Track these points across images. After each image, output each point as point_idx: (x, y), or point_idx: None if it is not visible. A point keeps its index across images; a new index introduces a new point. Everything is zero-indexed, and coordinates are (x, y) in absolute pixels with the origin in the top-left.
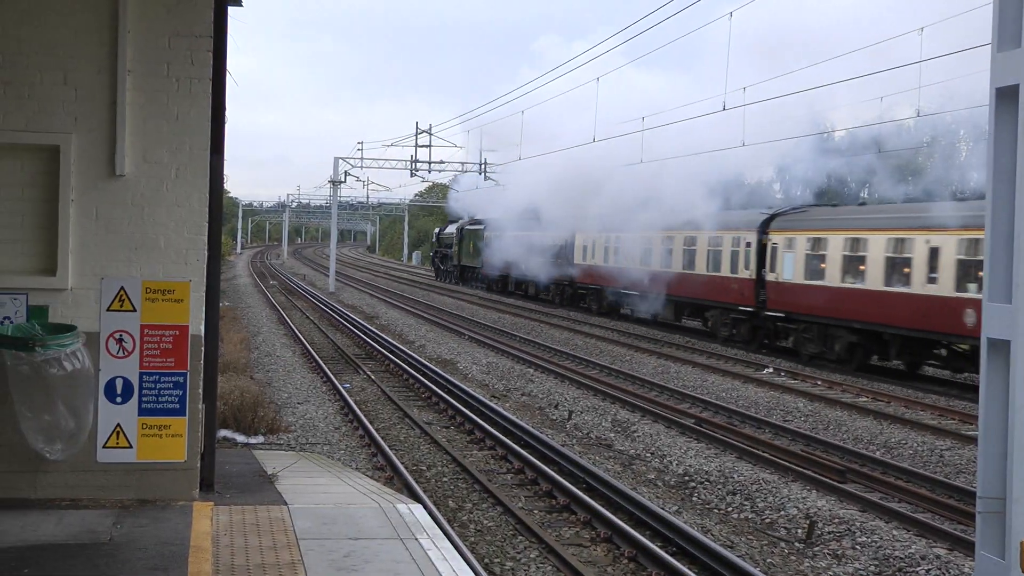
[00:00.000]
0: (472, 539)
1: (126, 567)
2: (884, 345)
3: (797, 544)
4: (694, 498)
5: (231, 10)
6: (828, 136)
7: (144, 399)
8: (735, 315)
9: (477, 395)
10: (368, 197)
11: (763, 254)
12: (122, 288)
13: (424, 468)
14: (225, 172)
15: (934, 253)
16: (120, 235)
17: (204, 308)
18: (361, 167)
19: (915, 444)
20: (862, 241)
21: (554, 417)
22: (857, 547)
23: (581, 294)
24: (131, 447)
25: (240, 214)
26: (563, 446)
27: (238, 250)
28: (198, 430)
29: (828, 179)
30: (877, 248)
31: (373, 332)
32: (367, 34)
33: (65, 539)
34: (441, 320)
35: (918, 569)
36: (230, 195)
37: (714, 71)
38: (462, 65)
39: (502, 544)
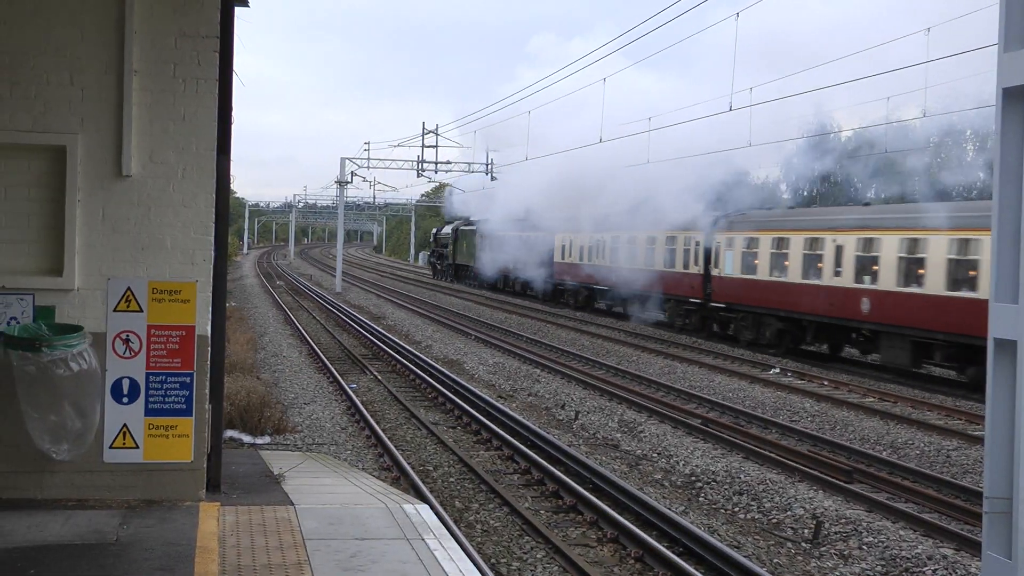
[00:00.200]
0: (479, 539)
1: (132, 567)
2: (804, 330)
3: (804, 544)
4: (701, 498)
5: (238, 10)
6: (823, 137)
7: (151, 399)
8: (687, 306)
9: (484, 395)
10: (375, 197)
11: (710, 252)
12: (129, 288)
13: (431, 468)
14: (232, 172)
15: (839, 251)
16: (127, 235)
17: (211, 308)
18: (368, 167)
19: (922, 444)
20: (785, 240)
21: (561, 417)
22: (864, 547)
23: (561, 290)
24: (138, 447)
25: (247, 214)
26: (570, 446)
27: (245, 250)
28: (204, 430)
29: (824, 179)
30: (797, 246)
31: (380, 332)
32: (374, 34)
33: (71, 539)
34: (447, 320)
35: (925, 569)
36: (236, 195)
37: (712, 73)
38: (469, 65)
39: (509, 544)
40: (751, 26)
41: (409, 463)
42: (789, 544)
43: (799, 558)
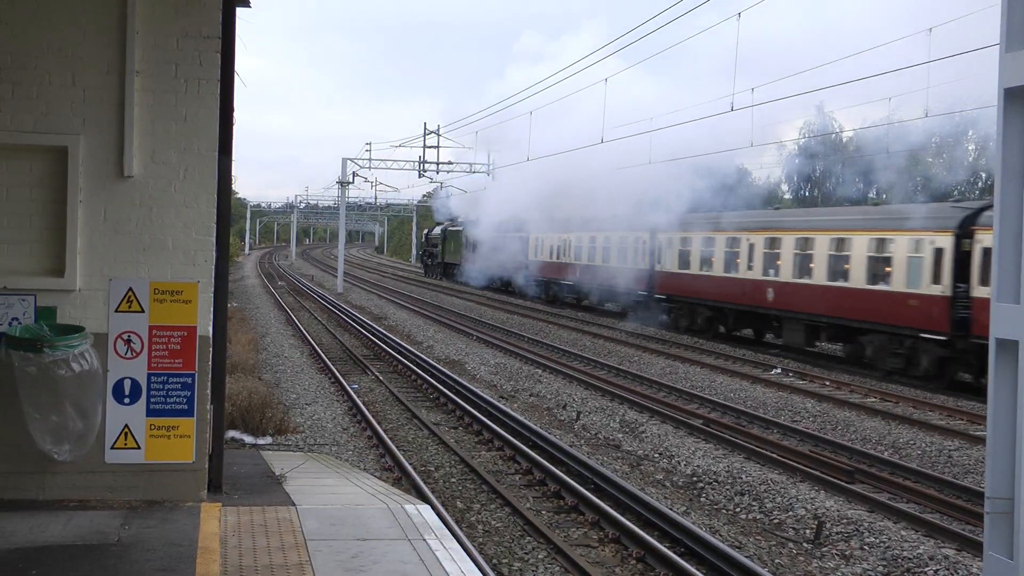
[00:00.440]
0: (480, 540)
1: (134, 568)
2: (726, 318)
3: (805, 544)
4: (702, 498)
5: (239, 11)
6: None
7: (152, 400)
8: (636, 298)
9: (485, 396)
10: (376, 198)
11: (657, 250)
12: (130, 289)
13: (432, 469)
14: (233, 173)
15: (751, 248)
16: (128, 236)
17: (212, 309)
18: (369, 168)
19: (923, 444)
20: (711, 239)
21: (562, 418)
22: (865, 547)
23: (536, 286)
24: (139, 448)
25: (248, 215)
26: (571, 447)
27: (246, 251)
28: (206, 431)
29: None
30: (720, 245)
31: (381, 333)
32: (376, 35)
33: (73, 540)
34: (449, 321)
35: (926, 569)
36: (238, 196)
37: (701, 76)
38: (471, 65)
39: (510, 545)
40: (746, 28)
41: (411, 463)
42: (791, 544)
43: (801, 558)
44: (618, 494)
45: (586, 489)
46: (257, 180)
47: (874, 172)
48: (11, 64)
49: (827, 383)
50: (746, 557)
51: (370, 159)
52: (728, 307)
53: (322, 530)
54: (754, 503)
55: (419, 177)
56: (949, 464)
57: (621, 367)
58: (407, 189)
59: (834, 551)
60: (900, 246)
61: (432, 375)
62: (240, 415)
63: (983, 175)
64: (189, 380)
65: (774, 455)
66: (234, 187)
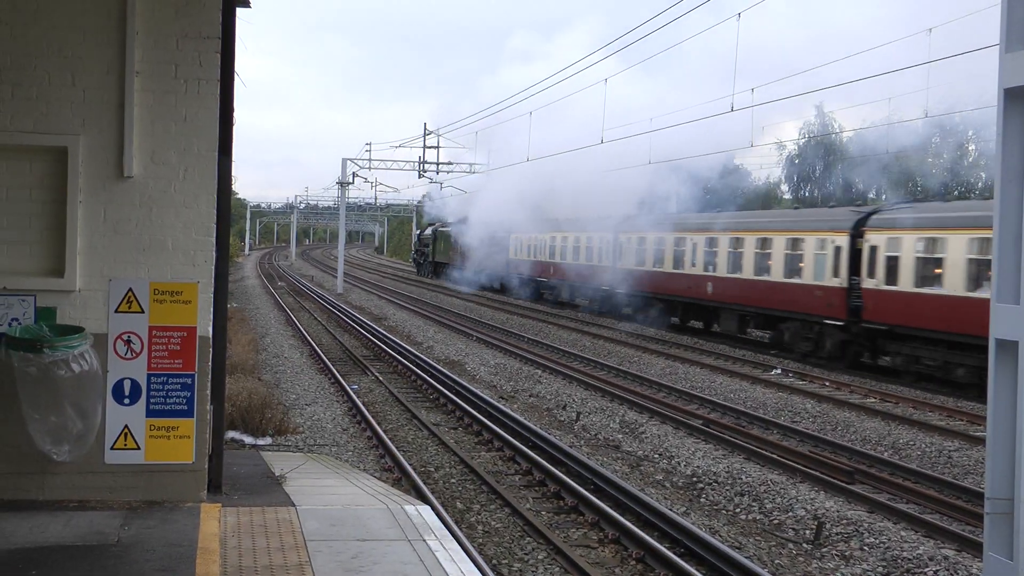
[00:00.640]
0: (480, 540)
1: (134, 568)
2: (676, 309)
3: (805, 545)
4: (702, 499)
5: (239, 11)
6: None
7: (152, 401)
8: (600, 293)
9: (485, 396)
10: (376, 198)
11: (617, 249)
12: (130, 289)
13: (432, 469)
14: (233, 173)
15: (695, 247)
16: (128, 236)
17: (212, 309)
18: (369, 168)
19: (923, 445)
20: (662, 239)
21: (562, 418)
22: (865, 548)
23: (517, 283)
24: (139, 449)
25: (248, 215)
26: (571, 447)
27: (246, 251)
28: (206, 431)
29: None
30: (670, 244)
31: (381, 333)
32: (377, 34)
33: (73, 540)
34: (449, 321)
35: (926, 570)
36: (238, 196)
37: (696, 77)
38: (471, 65)
39: (510, 545)
40: (736, 31)
41: (410, 464)
42: (790, 545)
43: (800, 559)
44: (618, 495)
45: (586, 490)
46: (257, 180)
47: (863, 172)
48: (11, 65)
49: (827, 384)
50: (746, 558)
51: (370, 159)
52: (677, 300)
53: (322, 531)
54: (754, 504)
55: (419, 177)
56: (949, 465)
57: (621, 367)
58: (407, 189)
59: (834, 552)
60: (809, 245)
61: (432, 375)
62: (240, 416)
63: (979, 175)
64: (189, 380)
65: (774, 456)
66: (234, 187)
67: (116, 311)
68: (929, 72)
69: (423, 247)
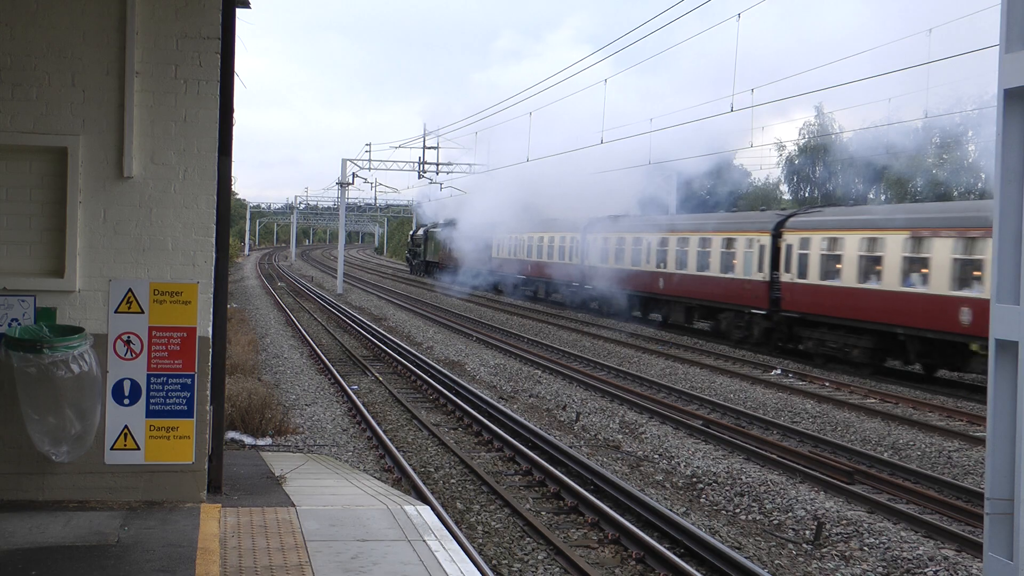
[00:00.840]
0: (480, 541)
1: (133, 569)
2: (635, 303)
3: (805, 545)
4: (702, 499)
5: (239, 12)
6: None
7: (152, 401)
8: (569, 289)
9: (485, 396)
10: (376, 199)
11: (585, 248)
12: (130, 290)
13: (432, 470)
14: (233, 174)
15: (649, 246)
16: (128, 237)
17: (212, 310)
18: (369, 169)
19: (923, 445)
20: (623, 238)
21: (562, 419)
22: (865, 548)
23: (497, 281)
24: (139, 449)
25: (248, 216)
26: (571, 447)
27: (246, 252)
28: (206, 432)
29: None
30: (628, 243)
31: (381, 334)
32: (377, 35)
33: (73, 541)
34: (449, 321)
35: (926, 570)
36: (238, 197)
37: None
38: (467, 64)
39: (510, 546)
40: (729, 34)
41: (410, 464)
42: (790, 545)
43: (800, 559)
44: (618, 495)
45: (586, 490)
46: (257, 180)
47: (851, 173)
48: (11, 65)
49: (827, 384)
50: (746, 558)
51: (370, 160)
52: (636, 294)
53: (322, 531)
54: (754, 504)
55: (419, 178)
56: (949, 465)
57: (621, 368)
58: (407, 190)
59: (834, 552)
60: (741, 244)
61: (432, 376)
62: (240, 416)
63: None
64: (189, 381)
65: (774, 456)
66: (233, 188)
67: (116, 311)
68: (929, 72)
69: (415, 247)
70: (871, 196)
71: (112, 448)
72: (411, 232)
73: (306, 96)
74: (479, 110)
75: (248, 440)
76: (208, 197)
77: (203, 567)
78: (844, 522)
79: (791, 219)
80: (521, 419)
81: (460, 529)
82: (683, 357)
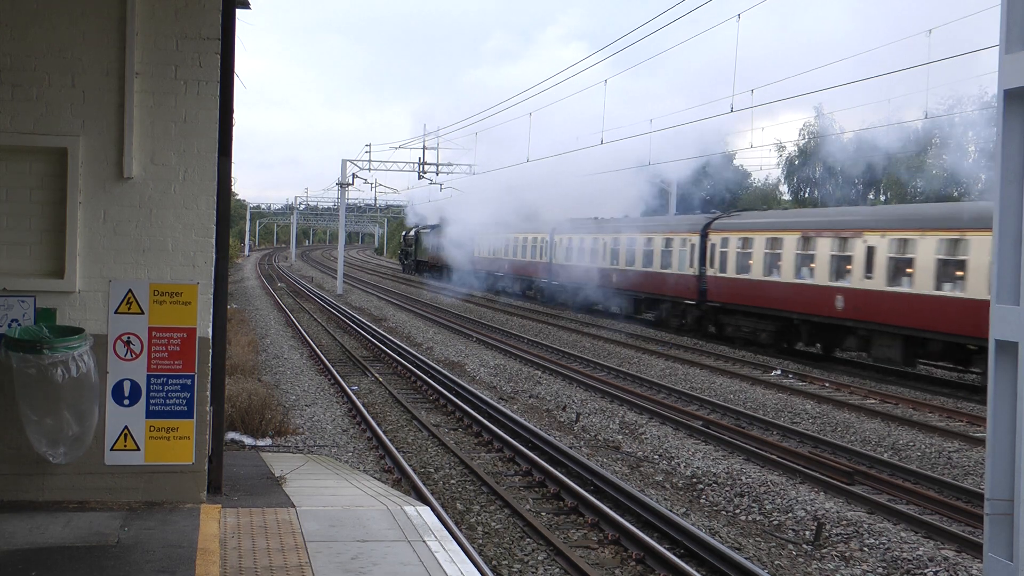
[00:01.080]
0: (480, 541)
1: (133, 569)
2: (594, 297)
3: (805, 546)
4: (702, 500)
5: (239, 12)
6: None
7: (152, 401)
8: (537, 285)
9: (485, 397)
10: (376, 199)
11: (553, 248)
12: (130, 291)
13: (432, 470)
14: (233, 174)
15: (604, 245)
16: (128, 237)
17: (212, 310)
18: (369, 169)
19: (923, 446)
20: (584, 239)
21: (562, 419)
22: (865, 549)
23: (478, 278)
24: (139, 449)
25: (248, 216)
26: (571, 448)
27: (246, 252)
28: (206, 432)
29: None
30: (587, 243)
31: (381, 334)
32: (378, 35)
33: (73, 541)
34: (449, 322)
35: (926, 571)
36: (238, 197)
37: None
38: (468, 65)
39: (510, 546)
40: (719, 38)
41: (410, 465)
42: (790, 546)
43: (800, 560)
44: (618, 495)
45: (586, 490)
46: (257, 181)
47: (842, 174)
48: (11, 66)
49: (827, 385)
50: (746, 559)
51: (370, 161)
52: (595, 288)
53: (322, 531)
54: (754, 505)
55: (419, 179)
56: (949, 466)
57: (621, 368)
58: (407, 191)
59: (834, 553)
60: (676, 243)
61: (432, 377)
62: (240, 416)
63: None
64: (189, 381)
65: (774, 457)
66: (233, 188)
67: (116, 312)
68: (929, 73)
69: (407, 247)
70: (870, 197)
71: (112, 449)
72: (403, 233)
73: (306, 97)
74: (479, 111)
75: (248, 441)
76: (208, 198)
77: (203, 568)
78: (844, 523)
79: (716, 221)
80: (521, 420)
81: (460, 530)
82: (683, 358)
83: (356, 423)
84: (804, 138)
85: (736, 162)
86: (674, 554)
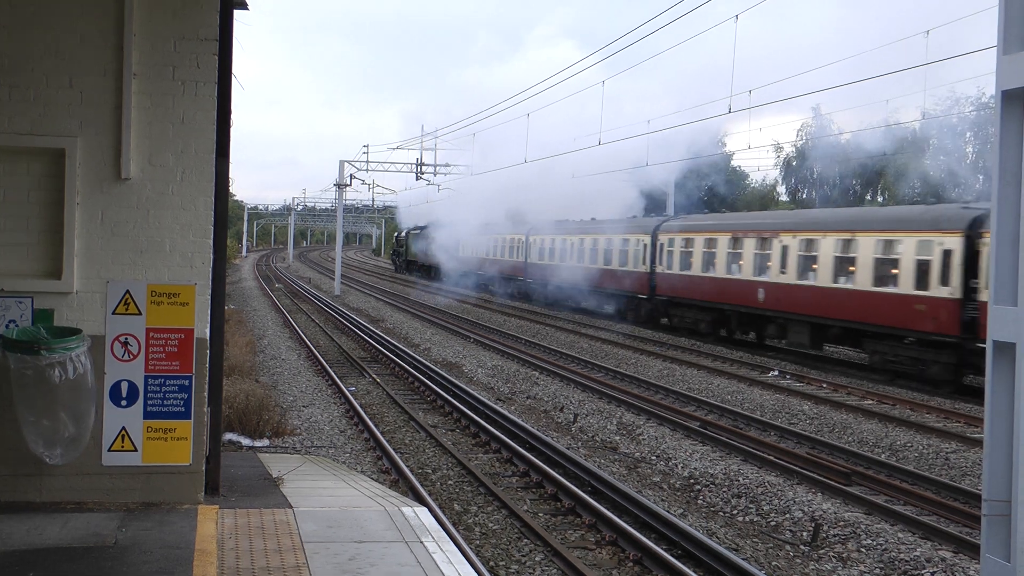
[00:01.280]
0: (477, 542)
1: (131, 570)
2: (566, 293)
3: (802, 547)
4: (699, 501)
5: (237, 13)
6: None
7: (149, 402)
8: (513, 282)
9: (482, 398)
10: (373, 200)
11: (528, 247)
12: (128, 291)
13: (429, 471)
14: (231, 175)
15: (572, 245)
16: (125, 238)
17: (209, 311)
18: (367, 170)
19: (920, 447)
20: (554, 239)
21: (559, 420)
22: (863, 550)
23: (461, 276)
24: (136, 450)
25: (246, 217)
26: (568, 449)
27: (243, 253)
28: (203, 433)
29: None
30: (558, 243)
31: (378, 335)
32: (376, 36)
33: (70, 542)
34: (446, 323)
35: (923, 572)
36: (235, 198)
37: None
38: (466, 65)
39: (507, 547)
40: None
41: (408, 466)
42: (788, 547)
43: (798, 561)
44: (615, 496)
45: (583, 491)
46: (254, 182)
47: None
48: (9, 67)
49: (824, 385)
50: (743, 559)
51: (367, 162)
52: (564, 286)
53: (319, 532)
54: (751, 505)
55: (416, 180)
56: (946, 466)
57: (618, 369)
58: (405, 191)
59: (831, 553)
60: (631, 243)
61: (429, 377)
62: (237, 417)
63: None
64: (186, 382)
65: (771, 457)
66: (231, 189)
67: (113, 313)
68: (926, 74)
69: (399, 247)
70: (868, 197)
71: (110, 449)
72: (395, 235)
73: (304, 97)
74: (476, 111)
75: (246, 441)
76: (206, 199)
77: (200, 568)
78: (841, 523)
79: (664, 224)
80: (518, 420)
81: (457, 530)
82: (681, 358)
83: (354, 424)
84: (802, 139)
85: (735, 162)
86: (671, 555)
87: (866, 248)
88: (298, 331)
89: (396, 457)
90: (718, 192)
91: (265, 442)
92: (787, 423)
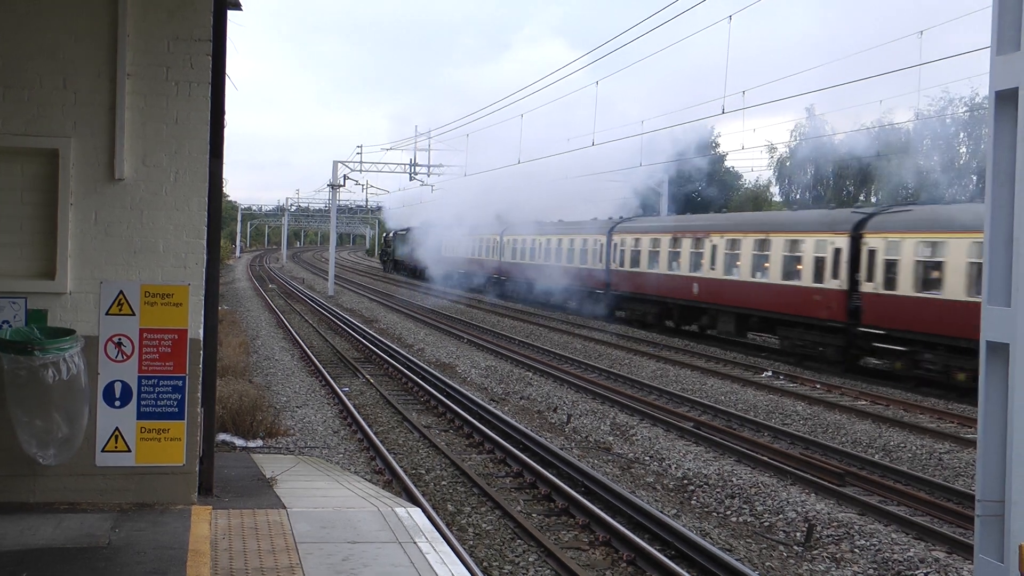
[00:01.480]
0: (471, 543)
1: (124, 571)
2: (536, 289)
3: (796, 547)
4: (693, 501)
5: (231, 14)
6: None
7: (143, 403)
8: (494, 280)
9: (476, 398)
10: (367, 201)
11: (502, 247)
12: (121, 292)
13: (423, 472)
14: (224, 176)
15: (542, 244)
16: (119, 239)
17: (203, 312)
18: (360, 171)
19: (914, 447)
20: (528, 240)
21: (553, 420)
22: (856, 550)
23: (444, 275)
24: (130, 451)
25: (239, 218)
26: (562, 449)
27: (237, 254)
28: (197, 434)
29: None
30: (531, 243)
31: (372, 336)
32: (370, 37)
33: (63, 543)
34: (440, 323)
35: (917, 572)
36: (229, 199)
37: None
38: (464, 65)
39: (501, 548)
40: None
41: (401, 466)
42: (781, 547)
43: (791, 561)
44: (609, 497)
45: (577, 492)
46: (248, 182)
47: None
48: (2, 67)
49: (818, 386)
50: (737, 560)
51: (361, 162)
52: (533, 283)
53: (313, 533)
54: (745, 506)
55: (410, 180)
56: (940, 467)
57: (612, 370)
58: (399, 192)
59: (825, 554)
60: (590, 243)
61: (423, 378)
62: (231, 418)
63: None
64: (180, 383)
65: (765, 458)
66: (224, 190)
67: (107, 313)
68: (920, 74)
69: (387, 248)
70: (861, 198)
71: (103, 450)
72: (384, 235)
73: (298, 97)
74: (469, 112)
75: (239, 442)
76: (199, 199)
77: (194, 569)
78: (835, 524)
79: (618, 225)
80: (512, 421)
81: (451, 531)
82: (674, 359)
83: (347, 424)
84: (795, 140)
85: (728, 163)
86: (665, 555)
87: (777, 247)
88: (292, 332)
89: (390, 458)
90: (707, 194)
91: (259, 443)
92: (781, 424)
